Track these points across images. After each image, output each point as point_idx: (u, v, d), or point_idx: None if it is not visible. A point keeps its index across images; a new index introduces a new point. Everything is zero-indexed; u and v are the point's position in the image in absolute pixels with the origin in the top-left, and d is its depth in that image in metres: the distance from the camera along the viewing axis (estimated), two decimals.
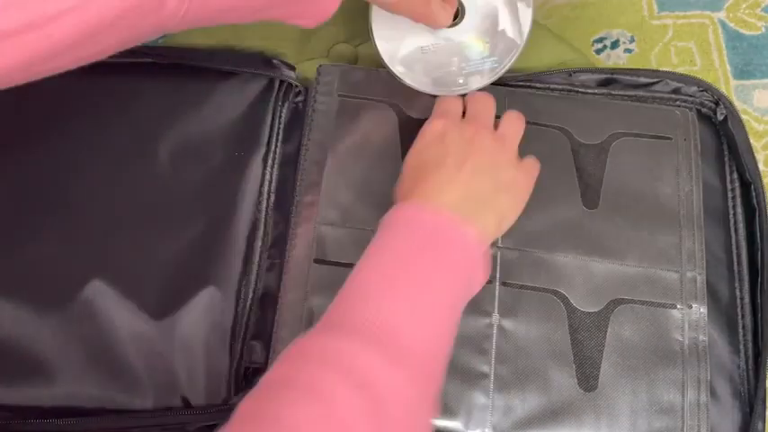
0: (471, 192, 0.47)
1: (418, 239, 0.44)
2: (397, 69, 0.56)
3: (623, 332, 0.52)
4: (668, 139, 0.58)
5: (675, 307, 0.53)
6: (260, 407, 0.37)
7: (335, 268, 0.53)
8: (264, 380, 0.38)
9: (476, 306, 0.52)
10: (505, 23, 0.56)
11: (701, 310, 0.53)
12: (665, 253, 0.54)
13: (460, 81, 0.55)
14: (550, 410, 0.51)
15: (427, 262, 0.43)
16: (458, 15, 0.56)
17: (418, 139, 0.52)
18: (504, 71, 0.56)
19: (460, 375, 0.51)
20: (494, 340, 0.52)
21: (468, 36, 0.56)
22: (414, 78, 0.56)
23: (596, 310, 0.53)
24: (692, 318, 0.53)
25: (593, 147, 0.58)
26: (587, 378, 0.52)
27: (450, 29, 0.56)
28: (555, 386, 0.51)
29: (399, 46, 0.56)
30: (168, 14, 0.38)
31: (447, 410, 0.51)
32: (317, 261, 0.54)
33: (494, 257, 0.54)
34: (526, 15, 0.56)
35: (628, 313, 0.53)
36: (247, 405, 0.37)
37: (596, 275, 0.54)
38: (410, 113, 0.59)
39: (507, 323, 0.53)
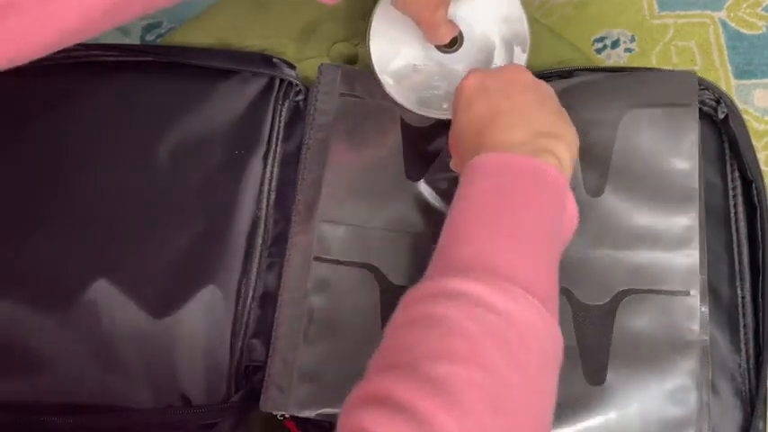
0: (535, 126, 0.46)
1: (504, 182, 0.43)
2: (385, 80, 0.56)
3: (631, 324, 0.51)
4: (686, 105, 0.55)
5: (689, 294, 0.51)
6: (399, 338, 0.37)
7: (336, 266, 0.53)
8: (397, 317, 0.39)
9: None
10: (499, 61, 0.56)
11: (703, 309, 0.53)
12: (673, 237, 0.52)
13: (445, 106, 0.55)
14: (557, 404, 0.51)
15: (515, 200, 0.42)
16: (455, 43, 0.56)
17: (458, 100, 0.49)
18: None
19: None
20: None
21: (461, 65, 0.56)
22: (400, 93, 0.56)
23: (602, 302, 0.52)
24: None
25: (600, 124, 0.55)
26: (594, 372, 0.51)
27: (446, 54, 0.56)
28: (561, 380, 0.51)
29: (393, 58, 0.56)
30: None
31: None
32: (317, 259, 0.54)
33: None
34: (520, 59, 0.56)
35: (637, 304, 0.51)
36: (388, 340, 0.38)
37: (601, 267, 0.52)
38: (410, 122, 0.58)
39: None
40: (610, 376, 0.50)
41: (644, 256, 0.52)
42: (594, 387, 0.50)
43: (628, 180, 0.54)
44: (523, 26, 0.56)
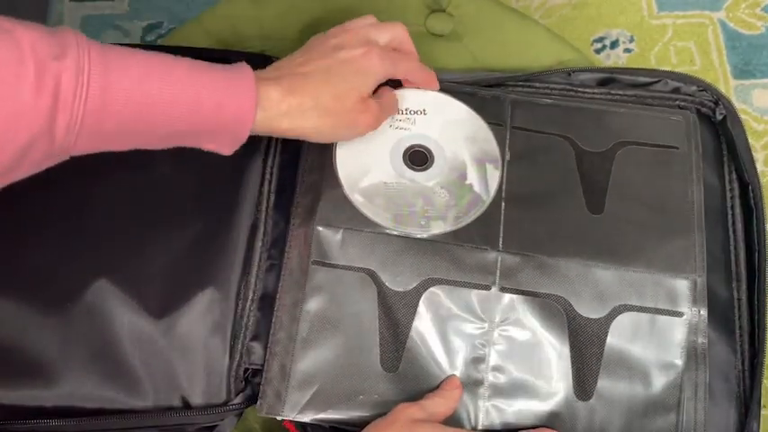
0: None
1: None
2: (356, 198, 0.55)
3: (623, 340, 0.52)
4: (675, 148, 0.58)
5: (681, 315, 0.53)
6: None
7: (334, 270, 0.53)
8: None
9: (473, 311, 0.52)
10: (473, 179, 0.56)
11: (702, 312, 0.53)
12: (670, 259, 0.54)
13: (422, 223, 0.55)
14: (546, 418, 0.51)
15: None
16: (426, 161, 0.56)
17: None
18: (467, 223, 0.55)
19: None
20: (491, 346, 0.52)
21: (434, 183, 0.56)
22: (373, 211, 0.55)
23: (599, 316, 0.52)
24: (692, 321, 0.53)
25: (597, 155, 0.57)
26: (584, 386, 0.52)
27: (417, 173, 0.56)
28: (551, 393, 0.52)
29: (363, 176, 0.56)
30: (60, 143, 0.41)
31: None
32: (315, 262, 0.54)
33: (494, 261, 0.54)
34: (494, 176, 0.56)
35: (629, 320, 0.52)
36: None
37: (600, 281, 0.53)
38: None
39: (505, 329, 0.53)
40: (598, 391, 0.51)
41: (638, 275, 0.53)
42: (584, 402, 0.51)
43: (624, 203, 0.56)
44: (491, 145, 0.57)
